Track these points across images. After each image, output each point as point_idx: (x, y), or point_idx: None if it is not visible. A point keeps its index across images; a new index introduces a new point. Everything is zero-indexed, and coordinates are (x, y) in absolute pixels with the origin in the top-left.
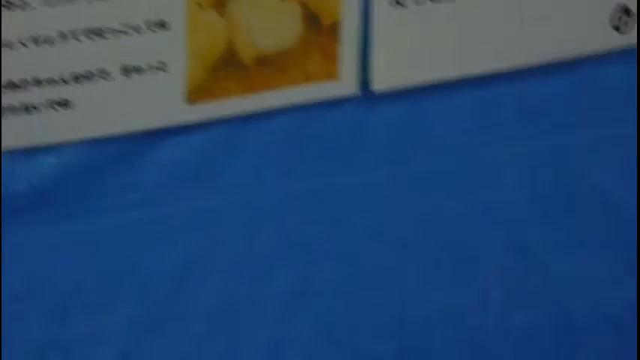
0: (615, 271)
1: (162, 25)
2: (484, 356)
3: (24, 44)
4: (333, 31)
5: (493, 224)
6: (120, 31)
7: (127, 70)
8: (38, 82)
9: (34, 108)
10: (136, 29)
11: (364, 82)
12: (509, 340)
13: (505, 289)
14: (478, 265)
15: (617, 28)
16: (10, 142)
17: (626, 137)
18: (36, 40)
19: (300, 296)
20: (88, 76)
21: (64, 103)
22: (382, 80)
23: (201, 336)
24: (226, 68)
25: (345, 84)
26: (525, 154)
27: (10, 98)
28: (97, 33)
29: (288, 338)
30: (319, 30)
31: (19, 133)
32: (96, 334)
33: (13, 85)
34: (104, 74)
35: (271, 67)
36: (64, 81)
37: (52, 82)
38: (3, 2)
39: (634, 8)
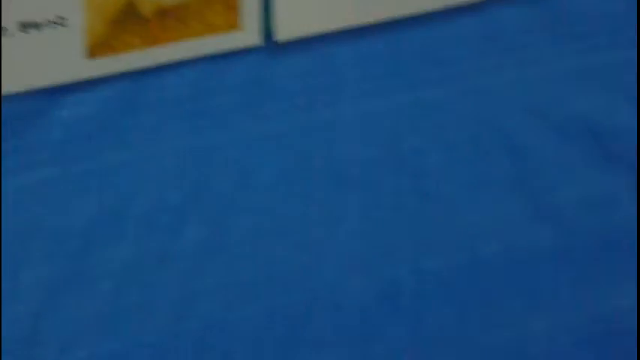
0: (524, 215)
1: None
2: (396, 305)
3: None
4: None
5: (402, 171)
6: None
7: (24, 26)
8: None
9: None
10: None
11: (268, 32)
12: (421, 288)
13: (415, 237)
14: (387, 213)
15: None
16: None
17: (529, 81)
18: None
19: (210, 251)
20: None
21: None
22: (286, 30)
23: (112, 293)
24: (126, 21)
25: (248, 34)
26: (432, 99)
27: None
28: None
29: (200, 293)
30: None
31: None
32: (5, 295)
33: None
34: (1, 31)
35: (172, 19)
36: None
37: None
38: None
39: None
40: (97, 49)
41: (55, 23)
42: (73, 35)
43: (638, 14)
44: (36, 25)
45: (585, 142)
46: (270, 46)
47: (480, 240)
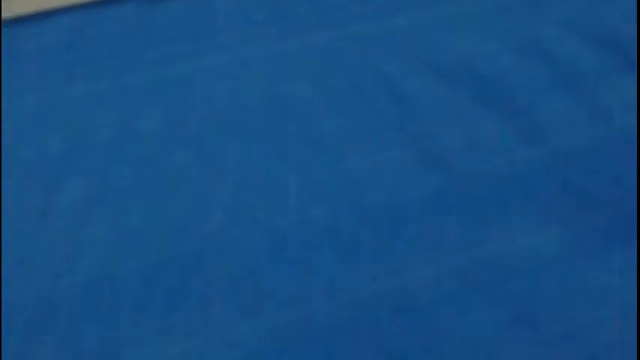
0: (409, 162)
1: None
2: (284, 254)
3: None
4: None
5: (286, 118)
6: None
7: None
8: None
9: None
10: None
11: None
12: (308, 237)
13: (303, 185)
14: (272, 161)
15: None
16: None
17: (411, 26)
18: None
19: (93, 203)
20: None
21: None
22: None
23: None
24: None
25: None
26: (314, 46)
27: None
28: None
29: (83, 248)
30: None
31: None
32: None
33: None
34: None
35: None
36: None
37: None
38: None
39: None
40: None
41: None
42: None
43: (638, 14)
44: None
45: (468, 86)
46: None
47: (366, 187)
